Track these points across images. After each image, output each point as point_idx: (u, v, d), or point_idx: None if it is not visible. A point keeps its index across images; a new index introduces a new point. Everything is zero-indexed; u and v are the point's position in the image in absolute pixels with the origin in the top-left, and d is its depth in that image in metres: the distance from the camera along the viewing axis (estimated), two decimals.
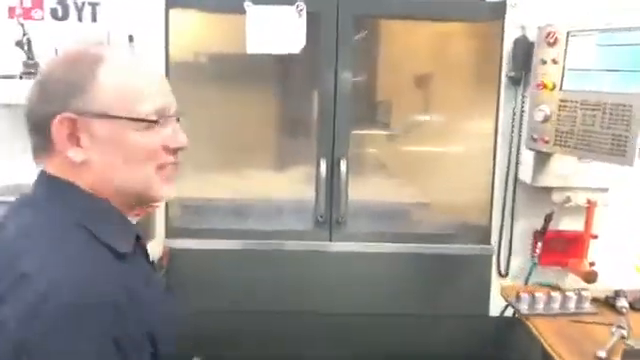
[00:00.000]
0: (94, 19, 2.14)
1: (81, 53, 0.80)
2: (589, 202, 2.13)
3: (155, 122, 0.80)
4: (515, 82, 2.19)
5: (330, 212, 2.27)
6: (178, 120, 0.86)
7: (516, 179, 2.26)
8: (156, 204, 0.89)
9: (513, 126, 2.23)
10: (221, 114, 2.37)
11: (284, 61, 2.28)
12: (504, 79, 2.23)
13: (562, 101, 1.95)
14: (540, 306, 1.91)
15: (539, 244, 2.21)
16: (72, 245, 0.74)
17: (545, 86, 1.99)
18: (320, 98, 2.25)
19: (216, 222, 2.36)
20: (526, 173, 2.19)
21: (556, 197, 2.18)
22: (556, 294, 1.92)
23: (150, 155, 0.80)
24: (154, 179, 0.82)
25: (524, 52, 2.12)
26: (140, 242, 0.88)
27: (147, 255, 0.93)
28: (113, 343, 0.70)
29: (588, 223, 2.13)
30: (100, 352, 0.69)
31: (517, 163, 2.24)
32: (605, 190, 2.15)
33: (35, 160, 0.82)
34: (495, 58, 2.28)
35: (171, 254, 2.22)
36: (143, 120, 0.79)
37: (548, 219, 2.19)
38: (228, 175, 2.44)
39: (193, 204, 2.39)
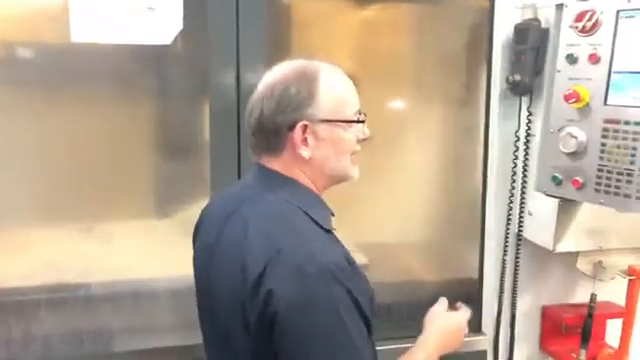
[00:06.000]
0: None
1: (304, 68, 0.98)
2: (633, 271, 1.43)
3: (362, 122, 1.01)
4: (520, 90, 1.43)
5: None
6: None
7: (519, 237, 1.51)
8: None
9: (516, 157, 1.48)
10: (57, 134, 1.41)
11: (154, 55, 1.38)
12: (498, 85, 1.48)
13: (608, 122, 1.23)
14: None
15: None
16: (304, 225, 0.94)
17: (578, 98, 1.26)
18: (213, 110, 1.38)
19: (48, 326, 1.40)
20: (538, 230, 1.44)
21: (583, 264, 1.46)
22: None
23: (350, 147, 1.00)
24: (350, 164, 1.01)
25: (535, 45, 1.37)
26: None
27: None
28: (354, 305, 0.87)
29: (631, 299, 1.43)
30: (346, 306, 0.86)
31: (521, 213, 1.49)
32: None
33: (257, 158, 1.00)
34: (479, 55, 1.54)
35: None
36: (353, 121, 0.99)
37: (593, 301, 1.47)
38: (64, 231, 1.47)
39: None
